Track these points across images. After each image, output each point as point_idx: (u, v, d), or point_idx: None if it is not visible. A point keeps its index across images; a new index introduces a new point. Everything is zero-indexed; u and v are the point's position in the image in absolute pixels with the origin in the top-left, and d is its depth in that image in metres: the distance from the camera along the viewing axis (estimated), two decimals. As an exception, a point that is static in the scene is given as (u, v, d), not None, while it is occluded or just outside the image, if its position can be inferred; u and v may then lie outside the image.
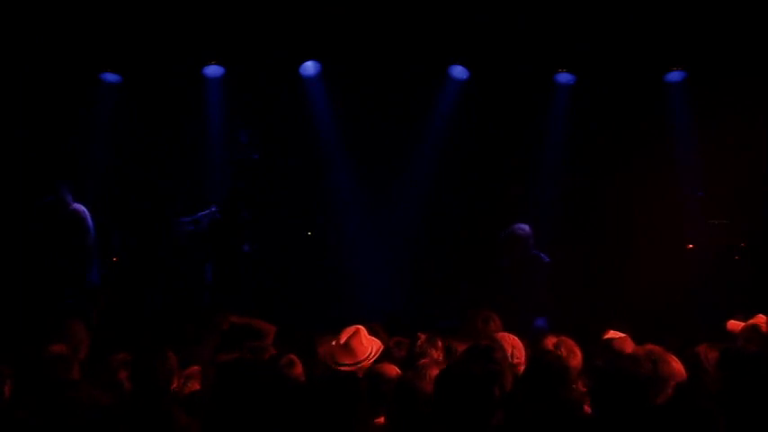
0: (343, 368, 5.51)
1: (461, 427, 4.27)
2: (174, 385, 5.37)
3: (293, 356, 5.40)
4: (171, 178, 10.30)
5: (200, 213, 9.55)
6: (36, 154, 9.70)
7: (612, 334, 6.09)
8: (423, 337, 6.18)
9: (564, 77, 10.43)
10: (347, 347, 5.57)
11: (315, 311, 9.63)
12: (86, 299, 8.80)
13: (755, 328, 6.04)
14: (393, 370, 5.15)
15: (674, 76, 10.22)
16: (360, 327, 5.71)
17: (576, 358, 5.37)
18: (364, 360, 5.57)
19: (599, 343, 5.88)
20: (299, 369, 5.29)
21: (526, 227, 9.31)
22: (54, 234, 8.91)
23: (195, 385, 5.53)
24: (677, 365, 5.22)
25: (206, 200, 9.83)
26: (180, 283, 9.57)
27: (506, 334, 5.88)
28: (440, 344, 6.09)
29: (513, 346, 5.65)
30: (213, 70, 10.30)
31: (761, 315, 6.19)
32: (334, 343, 5.69)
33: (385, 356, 5.84)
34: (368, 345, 5.65)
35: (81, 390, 5.00)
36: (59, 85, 9.76)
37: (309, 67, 10.43)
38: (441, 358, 5.96)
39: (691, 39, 9.64)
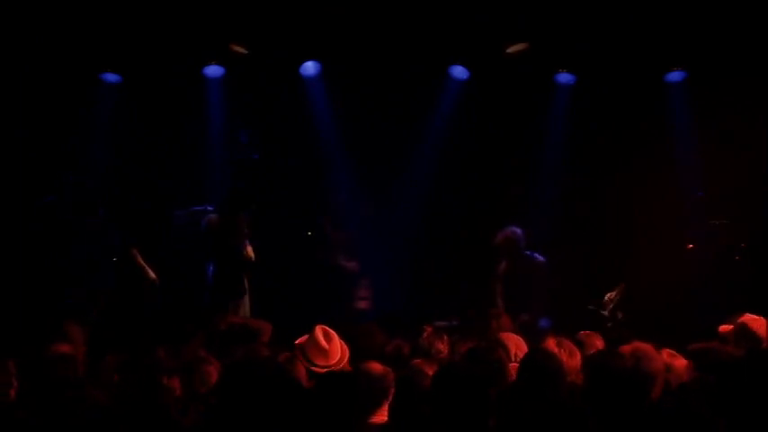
0: (316, 369, 5.51)
1: (458, 427, 4.27)
2: (166, 382, 5.38)
3: (293, 357, 5.40)
4: (171, 178, 10.29)
5: (194, 207, 9.55)
6: (36, 154, 9.70)
7: (584, 333, 6.14)
8: (429, 329, 6.20)
9: (564, 77, 10.44)
10: (322, 349, 5.58)
11: (315, 311, 9.63)
12: (86, 299, 8.79)
13: (743, 328, 6.07)
14: (378, 367, 5.17)
15: (674, 76, 10.23)
16: (327, 327, 5.71)
17: (576, 358, 5.38)
18: (336, 363, 5.58)
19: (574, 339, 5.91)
20: (300, 370, 5.29)
21: (517, 230, 9.37)
22: (54, 234, 8.90)
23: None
24: (678, 361, 5.24)
25: (206, 200, 9.82)
26: (180, 283, 9.56)
27: (510, 334, 5.91)
28: (446, 337, 6.11)
29: (517, 347, 5.67)
30: (213, 70, 10.31)
31: (748, 314, 6.22)
32: (306, 341, 5.68)
33: (387, 357, 5.84)
34: (339, 347, 5.67)
35: (81, 390, 5.00)
36: (59, 85, 9.75)
37: (309, 67, 10.44)
38: (446, 352, 5.99)
39: (691, 39, 9.64)
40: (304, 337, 5.76)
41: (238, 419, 4.41)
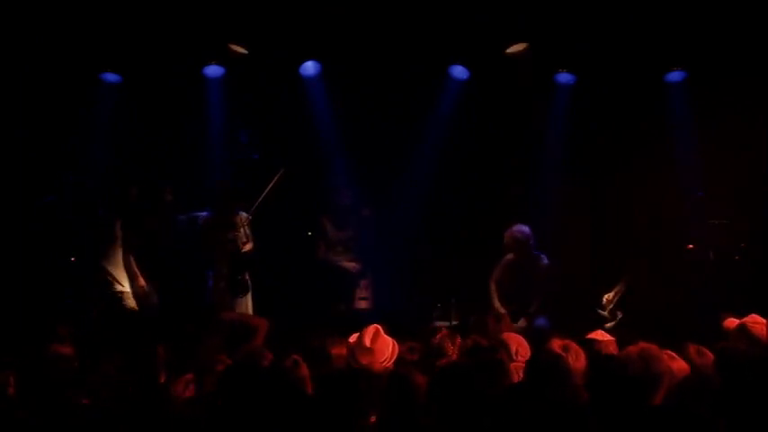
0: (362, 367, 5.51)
1: (455, 426, 4.27)
2: (163, 381, 5.39)
3: (298, 358, 5.40)
4: (171, 178, 10.28)
5: (195, 213, 9.54)
6: (36, 154, 9.70)
7: (600, 335, 6.09)
8: (444, 332, 6.20)
9: (564, 77, 10.44)
10: (369, 348, 5.57)
11: (315, 311, 9.63)
12: (86, 299, 8.79)
13: (743, 329, 6.06)
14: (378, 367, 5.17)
15: (674, 76, 10.23)
16: (378, 326, 5.71)
17: (581, 361, 5.38)
18: (384, 360, 5.59)
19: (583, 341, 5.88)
20: (304, 371, 5.29)
21: (526, 228, 9.34)
22: (54, 234, 8.90)
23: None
24: (677, 364, 5.22)
25: (206, 202, 9.82)
26: (180, 282, 9.56)
27: (512, 334, 5.90)
28: (458, 341, 6.11)
29: (519, 345, 5.67)
30: (213, 70, 10.31)
31: (755, 315, 6.20)
32: (355, 342, 5.68)
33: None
34: (387, 345, 5.67)
35: (81, 390, 5.00)
36: (59, 85, 9.75)
37: (309, 67, 10.44)
38: (454, 355, 5.99)
39: (691, 39, 9.64)
40: (354, 336, 5.75)
41: (238, 420, 4.41)
